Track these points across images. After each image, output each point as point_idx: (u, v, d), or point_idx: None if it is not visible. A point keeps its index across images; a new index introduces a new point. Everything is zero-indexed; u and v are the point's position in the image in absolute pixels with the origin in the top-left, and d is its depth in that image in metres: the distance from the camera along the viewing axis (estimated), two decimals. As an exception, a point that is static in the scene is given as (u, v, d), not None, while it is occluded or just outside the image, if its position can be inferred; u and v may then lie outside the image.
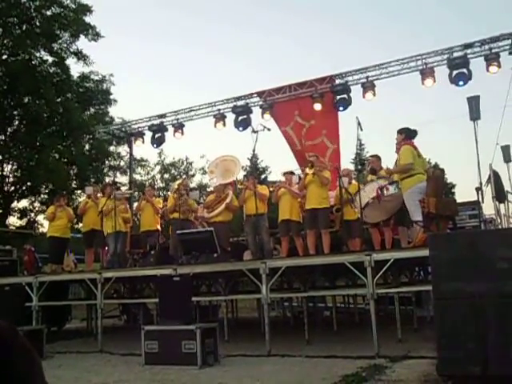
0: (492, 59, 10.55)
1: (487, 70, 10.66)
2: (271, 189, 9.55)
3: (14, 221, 22.21)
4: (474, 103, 9.24)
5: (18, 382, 0.78)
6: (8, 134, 20.76)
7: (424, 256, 5.81)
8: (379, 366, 5.72)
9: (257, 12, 58.49)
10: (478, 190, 8.37)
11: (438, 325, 4.15)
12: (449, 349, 3.99)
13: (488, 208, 9.54)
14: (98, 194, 10.83)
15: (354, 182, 9.49)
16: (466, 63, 10.79)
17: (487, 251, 4.15)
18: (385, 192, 7.51)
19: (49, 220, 10.83)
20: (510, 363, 3.84)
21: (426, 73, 11.16)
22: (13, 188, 21.21)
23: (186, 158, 32.66)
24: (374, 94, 11.78)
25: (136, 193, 20.50)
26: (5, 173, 20.96)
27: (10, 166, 20.95)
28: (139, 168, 30.41)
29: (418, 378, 4.95)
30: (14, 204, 21.63)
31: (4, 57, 19.74)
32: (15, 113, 20.66)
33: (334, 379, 5.14)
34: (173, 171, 32.15)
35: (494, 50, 10.61)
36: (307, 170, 8.82)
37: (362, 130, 8.04)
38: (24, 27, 19.86)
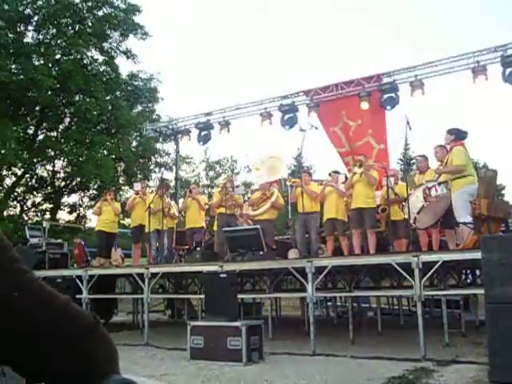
0: (549, 56, 10.19)
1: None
2: (320, 187, 9.50)
3: (64, 215, 22.92)
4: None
5: (100, 367, 0.82)
6: (59, 131, 21.41)
7: (473, 259, 5.70)
8: (426, 369, 5.64)
9: (303, 10, 58.28)
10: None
11: (490, 330, 4.06)
12: (502, 355, 3.89)
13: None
14: (146, 190, 11.04)
15: (400, 182, 9.36)
16: (521, 60, 10.45)
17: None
18: (433, 192, 7.38)
19: (96, 214, 11.16)
20: None
21: (478, 71, 10.86)
22: (63, 183, 21.87)
23: (231, 156, 32.88)
24: (423, 93, 11.56)
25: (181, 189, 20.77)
26: (56, 168, 21.64)
27: (61, 162, 21.59)
28: (185, 165, 30.80)
29: (468, 383, 4.85)
30: (65, 199, 22.33)
31: (57, 56, 20.34)
32: (66, 110, 21.27)
33: (379, 381, 5.10)
34: (218, 169, 32.41)
35: (551, 47, 10.24)
36: (356, 169, 8.74)
37: (410, 129, 7.89)
38: (76, 28, 20.42)
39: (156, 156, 24.01)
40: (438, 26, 56.38)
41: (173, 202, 11.71)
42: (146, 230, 10.18)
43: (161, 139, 21.53)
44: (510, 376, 3.82)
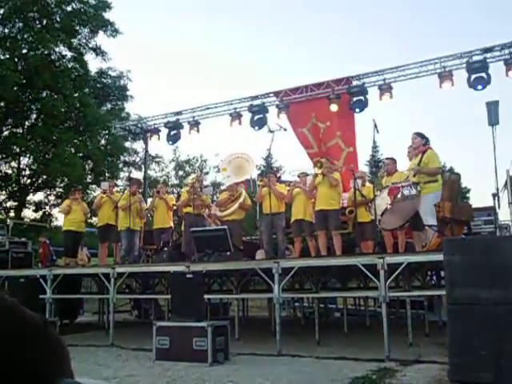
0: (512, 64, 10.45)
1: (506, 75, 10.57)
2: (288, 188, 9.53)
3: (29, 213, 22.47)
4: (492, 108, 9.15)
5: (48, 370, 0.80)
6: (25, 127, 21.00)
7: (437, 260, 5.80)
8: (389, 369, 5.71)
9: (274, 11, 58.44)
10: (495, 195, 8.31)
11: (451, 330, 4.13)
12: (461, 355, 3.97)
13: (504, 214, 9.46)
14: (114, 189, 10.91)
15: (368, 184, 9.47)
16: (485, 67, 10.69)
17: (502, 257, 4.12)
18: (406, 192, 7.43)
19: (64, 213, 10.93)
20: (523, 371, 3.81)
21: (444, 76, 11.09)
22: (29, 181, 21.45)
23: (201, 156, 32.77)
24: (391, 97, 11.73)
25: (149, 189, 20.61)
26: (21, 166, 21.21)
27: (26, 159, 21.19)
28: (154, 164, 30.57)
29: (429, 382, 4.93)
30: (30, 197, 21.89)
31: (24, 51, 19.95)
32: (33, 107, 20.88)
33: (343, 381, 5.14)
34: (187, 168, 32.26)
35: (514, 55, 10.51)
36: (316, 170, 8.81)
37: (378, 132, 7.99)
38: (44, 22, 20.07)
39: (125, 155, 23.80)
40: (407, 31, 57.24)
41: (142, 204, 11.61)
42: (119, 229, 10.07)
43: (130, 138, 21.37)
44: (469, 375, 3.90)
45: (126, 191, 10.59)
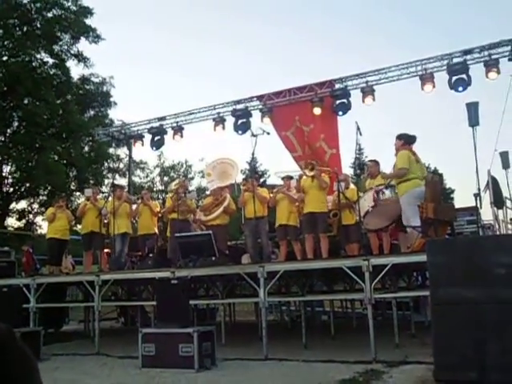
0: (491, 65, 10.57)
1: (486, 77, 10.68)
2: (271, 194, 9.54)
3: (12, 222, 22.23)
4: (472, 109, 9.25)
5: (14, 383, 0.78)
6: (7, 135, 20.78)
7: (422, 261, 5.82)
8: (376, 370, 5.72)
9: (256, 14, 58.62)
10: (477, 195, 8.39)
11: (435, 330, 4.15)
12: (446, 354, 3.99)
13: (486, 214, 9.55)
14: (98, 196, 10.83)
15: (352, 186, 9.50)
16: (465, 69, 10.80)
17: (485, 257, 4.15)
18: (381, 196, 7.52)
19: (49, 221, 10.81)
20: (507, 369, 3.84)
21: (426, 78, 11.18)
22: (12, 189, 21.21)
23: (186, 161, 32.74)
24: (374, 99, 11.80)
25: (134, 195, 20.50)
26: (4, 174, 20.96)
27: (9, 168, 20.96)
28: (138, 170, 30.46)
29: (415, 382, 4.95)
30: (13, 205, 21.64)
31: (4, 58, 19.77)
32: (15, 114, 20.67)
33: (330, 384, 5.14)
34: (172, 174, 32.20)
35: (493, 56, 10.62)
36: (307, 172, 8.82)
37: (361, 134, 8.05)
38: (25, 29, 19.89)
39: (109, 161, 23.66)
40: (388, 34, 57.73)
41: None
42: (114, 233, 10.02)
43: (113, 144, 21.24)
44: (454, 374, 3.92)
45: (109, 198, 10.52)
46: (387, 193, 7.37)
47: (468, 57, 10.89)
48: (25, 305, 8.76)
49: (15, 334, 0.81)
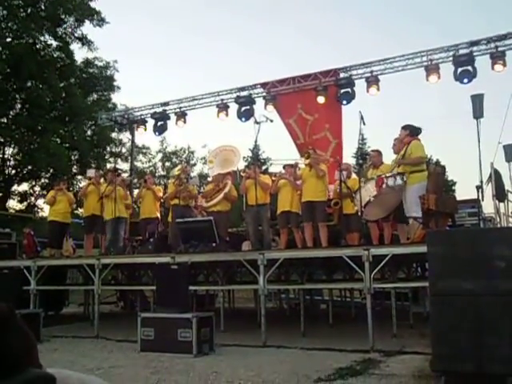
0: (498, 57, 10.50)
1: (492, 69, 10.62)
2: (273, 179, 9.52)
3: (14, 204, 22.27)
4: (477, 101, 9.20)
5: (13, 362, 0.78)
6: (10, 117, 20.73)
7: (422, 252, 5.82)
8: (373, 360, 5.75)
9: (262, 2, 58.19)
10: (479, 188, 8.36)
11: (434, 321, 4.17)
12: (443, 345, 4.01)
13: (488, 207, 9.54)
14: (101, 180, 10.80)
15: (354, 175, 9.49)
16: (471, 61, 10.74)
17: (485, 249, 4.15)
18: (390, 182, 7.42)
19: (49, 204, 10.84)
20: (504, 361, 3.85)
21: (431, 69, 11.12)
22: (13, 171, 21.22)
23: (188, 147, 32.71)
24: (378, 89, 11.75)
25: (136, 180, 20.50)
26: (6, 156, 20.98)
27: (11, 150, 20.96)
28: (141, 155, 30.45)
29: (412, 373, 4.98)
30: (15, 187, 21.67)
31: (8, 40, 19.65)
32: (18, 96, 20.61)
33: (327, 371, 5.17)
34: (174, 159, 32.19)
35: (500, 49, 10.56)
36: (303, 160, 8.82)
37: (364, 124, 7.98)
38: (29, 10, 19.77)
39: (111, 145, 23.64)
40: (394, 24, 57.31)
41: (128, 192, 11.54)
42: (105, 219, 10.00)
43: (116, 128, 21.23)
44: (451, 365, 3.94)
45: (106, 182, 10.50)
46: (398, 179, 7.26)
47: (474, 48, 10.83)
48: (25, 287, 8.81)
49: (15, 312, 0.82)
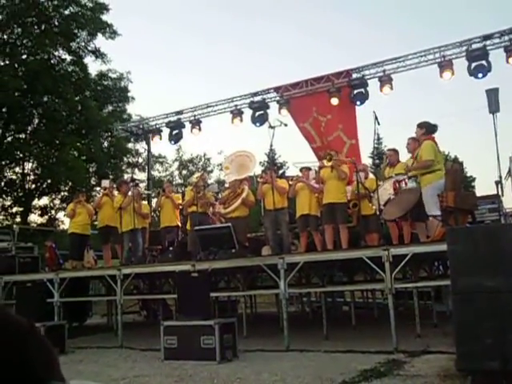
0: (512, 50, 10.39)
1: (507, 62, 10.50)
2: (290, 182, 9.52)
3: (35, 218, 22.58)
4: (493, 96, 9.12)
5: (34, 376, 0.80)
6: (28, 132, 21.07)
7: (443, 250, 5.76)
8: (398, 361, 5.70)
9: (272, 6, 58.28)
10: (498, 183, 8.27)
11: (456, 320, 4.12)
12: (467, 344, 3.96)
13: (508, 202, 9.42)
14: (115, 192, 10.87)
15: (371, 176, 9.45)
16: (485, 55, 10.63)
17: (507, 245, 4.10)
18: (403, 186, 7.45)
19: (69, 217, 10.95)
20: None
21: (445, 65, 11.03)
22: (33, 186, 21.54)
23: (204, 154, 32.85)
24: (392, 88, 11.69)
25: (152, 190, 20.63)
26: (25, 171, 21.31)
27: (30, 164, 21.28)
28: (157, 165, 30.66)
29: (437, 373, 4.92)
30: (35, 202, 21.99)
31: (23, 57, 20.01)
32: (35, 112, 20.95)
33: (352, 374, 5.14)
34: (191, 167, 32.34)
35: (514, 41, 10.44)
36: (325, 163, 8.79)
37: (379, 124, 7.95)
38: (42, 27, 20.11)
39: (128, 156, 23.86)
40: (405, 21, 56.99)
41: (145, 202, 11.61)
42: (123, 230, 10.05)
43: (132, 139, 21.42)
44: (476, 364, 3.90)
45: (129, 193, 10.55)
46: (409, 183, 7.27)
47: (488, 42, 10.72)
48: (49, 299, 8.91)
49: (36, 326, 0.83)
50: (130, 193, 10.16)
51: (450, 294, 7.76)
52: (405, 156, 8.42)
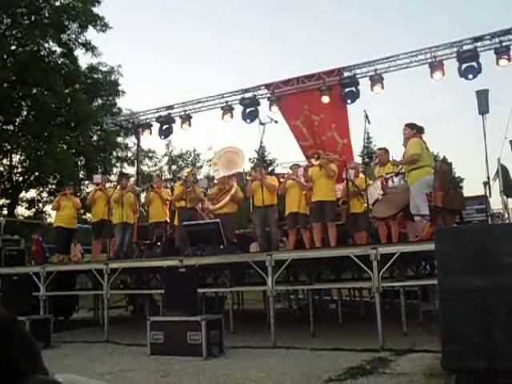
0: (502, 52, 10.45)
1: (497, 64, 10.57)
2: (281, 180, 9.51)
3: (22, 211, 22.41)
4: (482, 97, 9.17)
5: (17, 369, 0.78)
6: (16, 124, 20.87)
7: (430, 250, 5.79)
8: (383, 359, 5.72)
9: (265, 2, 58.22)
10: (486, 184, 8.33)
11: (443, 318, 4.14)
12: (453, 343, 3.98)
13: (496, 203, 9.49)
14: (106, 185, 10.84)
15: (361, 175, 9.47)
16: (475, 56, 10.69)
17: (494, 245, 4.12)
18: (390, 183, 7.47)
19: (54, 210, 10.94)
20: (515, 358, 3.82)
21: (435, 66, 11.08)
22: (21, 178, 21.36)
23: (194, 150, 32.75)
24: (383, 87, 11.71)
25: (141, 187, 20.57)
26: (13, 163, 21.13)
27: (18, 157, 21.11)
28: (147, 159, 30.52)
29: (423, 371, 4.95)
30: (23, 194, 21.82)
31: (13, 47, 19.80)
32: (23, 103, 20.75)
33: (338, 371, 5.15)
34: (180, 163, 32.24)
35: (504, 44, 10.50)
36: (313, 161, 8.80)
37: (369, 123, 7.97)
38: (32, 18, 19.90)
39: (117, 150, 23.74)
40: (397, 22, 57.18)
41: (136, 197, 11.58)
42: (113, 223, 10.03)
43: (122, 133, 21.33)
44: (462, 363, 3.91)
45: (118, 186, 10.55)
46: (396, 180, 7.31)
47: (478, 44, 10.78)
48: (35, 293, 8.84)
49: (17, 319, 0.82)
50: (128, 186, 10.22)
51: (436, 294, 7.82)
52: (395, 155, 8.45)
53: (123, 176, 10.92)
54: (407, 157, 7.40)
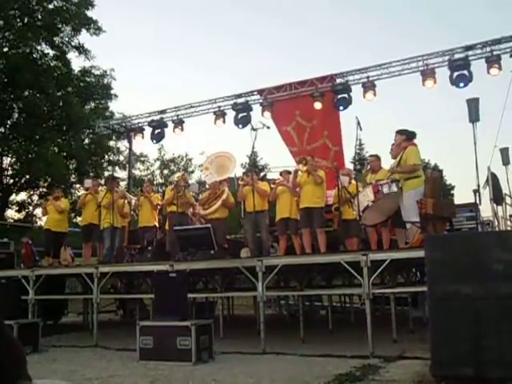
0: (493, 61, 10.54)
1: (488, 73, 10.66)
2: (272, 186, 9.51)
3: (12, 214, 22.27)
4: (473, 105, 9.21)
5: (4, 376, 0.78)
6: (7, 126, 20.75)
7: (420, 257, 5.81)
8: (373, 365, 5.72)
9: (258, 8, 58.40)
10: (476, 192, 8.36)
11: (433, 326, 4.16)
12: (442, 350, 4.00)
13: (486, 210, 9.54)
14: (98, 188, 10.81)
15: (353, 181, 9.48)
16: (466, 65, 10.78)
17: (484, 253, 4.15)
18: (385, 189, 7.44)
19: (43, 215, 10.97)
20: (504, 365, 3.84)
21: (427, 74, 11.16)
22: (11, 181, 21.22)
23: (186, 155, 32.73)
24: (375, 94, 11.77)
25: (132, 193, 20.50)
26: (4, 165, 20.98)
27: (9, 159, 20.97)
28: (138, 163, 30.45)
29: (412, 378, 4.95)
30: (13, 197, 21.68)
31: (5, 49, 19.70)
32: (15, 106, 20.63)
33: (327, 378, 5.14)
34: (172, 167, 32.19)
35: (495, 53, 10.60)
36: (300, 167, 8.81)
37: (361, 129, 7.98)
38: (25, 20, 19.82)
39: (109, 154, 23.66)
40: (390, 29, 57.55)
41: (126, 201, 11.52)
42: (102, 227, 9.98)
43: (114, 137, 21.25)
44: (450, 370, 3.93)
45: (107, 191, 10.50)
46: (393, 187, 7.27)
47: (470, 53, 10.87)
48: (23, 296, 8.77)
49: (3, 324, 0.81)
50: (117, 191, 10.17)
51: (426, 300, 7.84)
52: (387, 162, 8.47)
53: (113, 179, 10.86)
54: (407, 166, 7.38)
